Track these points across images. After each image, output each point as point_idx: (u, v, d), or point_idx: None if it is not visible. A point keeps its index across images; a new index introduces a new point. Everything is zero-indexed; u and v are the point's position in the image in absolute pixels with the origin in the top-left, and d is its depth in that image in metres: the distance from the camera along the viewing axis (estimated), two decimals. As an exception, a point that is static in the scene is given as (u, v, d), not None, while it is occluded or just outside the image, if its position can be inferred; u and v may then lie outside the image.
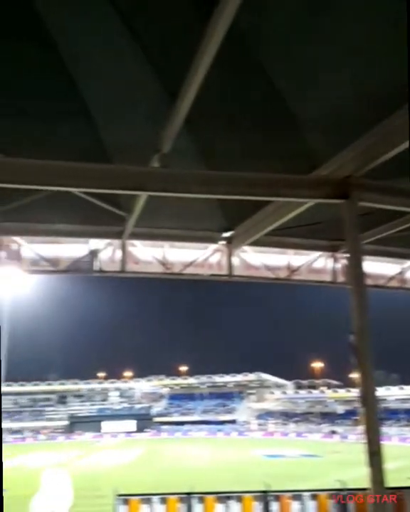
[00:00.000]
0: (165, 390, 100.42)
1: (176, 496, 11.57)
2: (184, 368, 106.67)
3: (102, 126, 6.31)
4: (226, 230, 9.01)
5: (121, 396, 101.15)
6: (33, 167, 6.03)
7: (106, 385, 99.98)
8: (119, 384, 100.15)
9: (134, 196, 7.17)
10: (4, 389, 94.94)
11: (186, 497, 11.48)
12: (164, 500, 11.56)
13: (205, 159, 6.69)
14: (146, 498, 11.68)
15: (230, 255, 9.57)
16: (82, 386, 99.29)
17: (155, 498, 11.61)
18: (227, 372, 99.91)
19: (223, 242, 9.32)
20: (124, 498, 11.94)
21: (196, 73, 4.31)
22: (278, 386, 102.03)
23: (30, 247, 9.30)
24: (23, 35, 5.13)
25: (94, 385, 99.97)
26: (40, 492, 20.68)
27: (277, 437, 78.64)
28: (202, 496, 11.55)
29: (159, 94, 5.53)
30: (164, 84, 5.41)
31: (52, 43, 5.16)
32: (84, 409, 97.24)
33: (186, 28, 4.80)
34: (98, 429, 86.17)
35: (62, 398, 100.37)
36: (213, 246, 9.52)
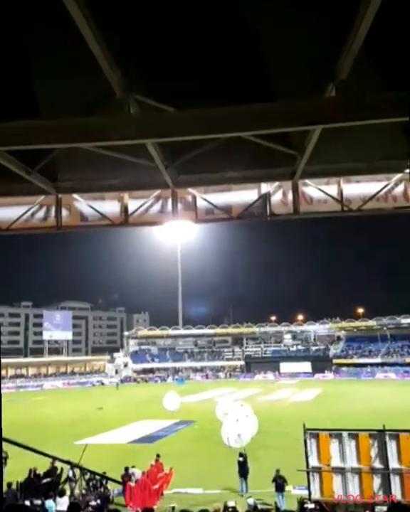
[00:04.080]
0: (342, 333, 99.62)
1: (366, 432, 11.58)
2: (361, 310, 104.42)
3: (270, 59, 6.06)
4: (412, 156, 8.17)
5: (295, 338, 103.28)
6: (203, 117, 6.13)
7: (279, 327, 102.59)
8: (293, 327, 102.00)
9: (306, 133, 6.93)
10: (184, 332, 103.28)
11: (378, 434, 11.43)
12: (354, 436, 11.68)
13: (389, 82, 6.06)
14: (336, 433, 11.89)
15: (418, 184, 8.72)
16: (255, 329, 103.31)
17: (345, 434, 11.77)
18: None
19: (408, 171, 8.44)
20: (313, 433, 12.29)
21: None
22: None
23: (204, 197, 9.64)
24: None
25: (267, 328, 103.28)
26: (228, 421, 22.46)
27: None
28: (396, 433, 11.39)
29: (331, 16, 5.11)
30: (338, 5, 4.98)
31: None
32: (259, 350, 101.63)
33: None
34: (274, 370, 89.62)
35: (238, 340, 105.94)
36: (396, 176, 8.77)
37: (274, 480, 16.57)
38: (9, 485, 14.53)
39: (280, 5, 5.35)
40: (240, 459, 19.00)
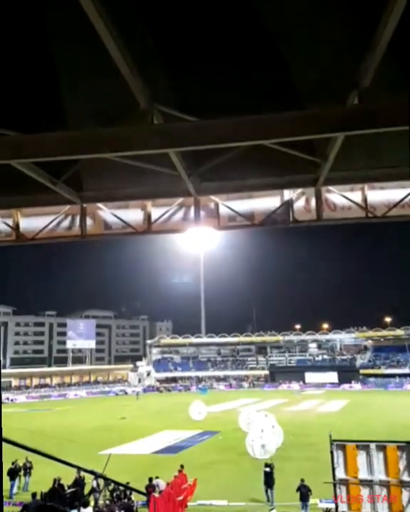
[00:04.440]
0: (369, 342, 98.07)
1: (395, 443, 11.33)
2: (388, 320, 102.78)
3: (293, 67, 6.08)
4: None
5: (320, 348, 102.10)
6: (226, 126, 6.15)
7: (304, 336, 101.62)
8: (318, 336, 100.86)
9: (329, 139, 6.89)
10: (207, 340, 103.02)
11: (406, 446, 11.17)
12: (382, 448, 11.43)
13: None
14: (363, 444, 11.66)
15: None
16: (280, 338, 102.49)
17: (372, 445, 11.54)
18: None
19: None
20: (340, 444, 12.07)
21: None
22: None
23: (226, 204, 9.65)
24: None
25: (292, 336, 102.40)
26: (253, 431, 22.28)
27: None
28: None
29: (353, 23, 5.11)
30: (361, 11, 4.97)
31: None
32: (283, 359, 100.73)
33: None
34: (299, 379, 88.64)
35: (261, 349, 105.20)
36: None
37: (298, 489, 16.45)
38: (34, 495, 14.61)
39: (302, 14, 5.38)
40: (267, 469, 18.86)
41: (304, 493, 16.27)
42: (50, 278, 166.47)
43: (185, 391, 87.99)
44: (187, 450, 29.61)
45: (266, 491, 18.40)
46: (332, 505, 12.39)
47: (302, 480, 16.55)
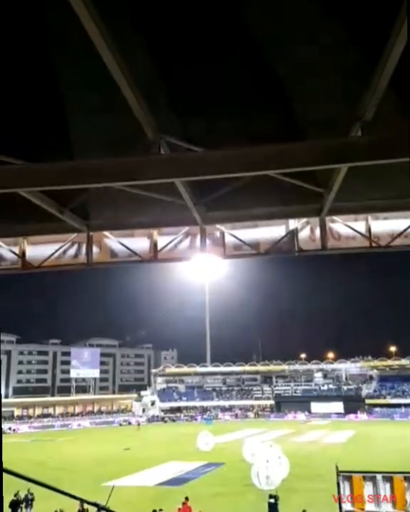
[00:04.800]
0: (375, 372, 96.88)
1: (402, 474, 11.13)
2: (393, 349, 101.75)
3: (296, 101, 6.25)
4: (441, 193, 8.14)
5: (325, 377, 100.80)
6: (232, 157, 6.29)
7: (309, 366, 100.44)
8: (323, 365, 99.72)
9: (333, 170, 7.01)
10: (213, 369, 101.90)
11: (415, 477, 10.96)
12: (388, 479, 11.22)
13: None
14: (369, 475, 11.45)
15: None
16: (285, 367, 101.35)
17: (379, 476, 11.33)
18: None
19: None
20: (347, 475, 11.87)
21: (400, 31, 4.04)
22: None
23: (232, 233, 9.75)
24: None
25: (297, 366, 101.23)
26: (258, 462, 21.88)
27: None
28: (433, 476, 10.90)
29: (354, 60, 5.29)
30: (362, 49, 5.15)
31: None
32: (289, 389, 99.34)
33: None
34: (305, 409, 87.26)
35: (267, 378, 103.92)
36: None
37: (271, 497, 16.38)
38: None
39: (305, 48, 5.56)
40: (271, 500, 18.60)
41: None
42: (55, 306, 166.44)
43: (190, 421, 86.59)
44: (192, 482, 29.02)
45: None
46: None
47: (304, 511, 16.23)
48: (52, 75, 6.24)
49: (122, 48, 4.97)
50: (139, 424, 76.14)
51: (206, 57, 5.99)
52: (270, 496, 18.80)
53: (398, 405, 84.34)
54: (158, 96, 6.41)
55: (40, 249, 10.04)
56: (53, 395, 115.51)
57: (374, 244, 8.95)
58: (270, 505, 18.43)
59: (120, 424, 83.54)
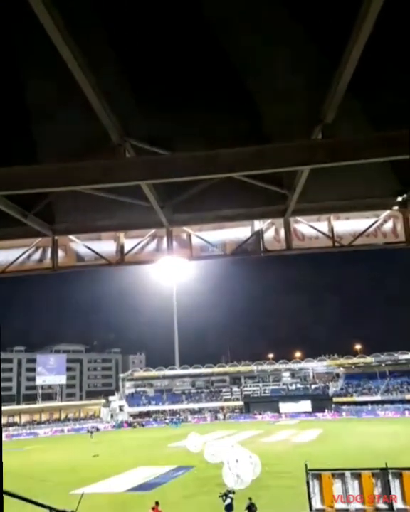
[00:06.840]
0: (341, 370, 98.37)
1: (369, 471, 11.35)
2: (358, 347, 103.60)
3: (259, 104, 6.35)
4: (400, 194, 8.40)
5: (293, 376, 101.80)
6: (197, 159, 6.34)
7: (277, 365, 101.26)
8: (291, 364, 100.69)
9: (295, 172, 7.15)
10: (181, 372, 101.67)
11: (381, 473, 11.19)
12: (357, 476, 11.42)
13: (374, 123, 6.34)
14: (338, 473, 11.64)
15: (407, 221, 8.93)
16: (253, 367, 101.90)
17: (347, 473, 11.53)
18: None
19: (397, 208, 8.73)
20: (316, 473, 12.04)
21: (358, 36, 4.16)
22: None
23: (198, 235, 9.80)
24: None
25: (265, 366, 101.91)
26: (228, 463, 21.98)
27: None
28: (400, 471, 11.14)
29: (316, 64, 5.42)
30: (322, 52, 5.29)
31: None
32: (258, 389, 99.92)
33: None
34: (274, 410, 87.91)
35: (236, 379, 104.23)
36: (385, 212, 9.00)
37: (247, 508, 16.49)
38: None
39: (266, 50, 5.67)
40: (225, 497, 18.72)
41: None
42: (18, 312, 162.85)
43: (158, 425, 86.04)
44: (162, 486, 28.85)
45: None
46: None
47: (250, 498, 16.60)
48: (15, 79, 6.17)
49: (86, 52, 4.96)
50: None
51: (170, 61, 6.04)
52: (226, 493, 18.84)
53: (365, 403, 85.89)
54: (122, 99, 6.41)
55: (4, 255, 9.87)
56: (18, 403, 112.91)
57: (336, 244, 9.16)
58: (225, 504, 18.59)
59: (88, 431, 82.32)
